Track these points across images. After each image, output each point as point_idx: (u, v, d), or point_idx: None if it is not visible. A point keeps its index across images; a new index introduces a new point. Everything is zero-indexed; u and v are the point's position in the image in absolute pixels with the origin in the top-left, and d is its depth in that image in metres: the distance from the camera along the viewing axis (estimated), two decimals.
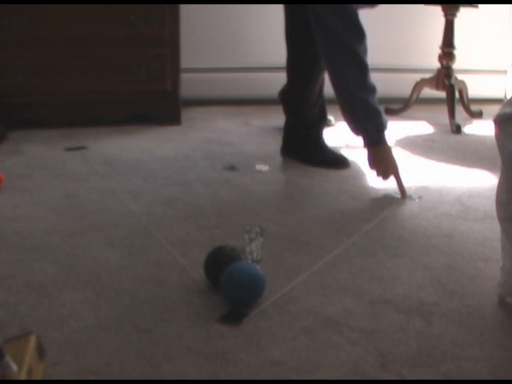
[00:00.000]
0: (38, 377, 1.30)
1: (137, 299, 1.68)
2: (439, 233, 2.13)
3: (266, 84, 3.57)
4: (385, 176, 2.47)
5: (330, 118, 3.22)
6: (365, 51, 2.40)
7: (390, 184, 2.50)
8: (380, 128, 2.43)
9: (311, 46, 2.48)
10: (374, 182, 2.55)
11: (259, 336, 1.54)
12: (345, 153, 2.85)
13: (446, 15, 3.38)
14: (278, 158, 2.80)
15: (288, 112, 2.79)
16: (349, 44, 2.35)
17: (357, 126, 2.45)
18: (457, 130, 3.31)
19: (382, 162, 2.46)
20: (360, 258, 1.94)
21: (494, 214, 1.74)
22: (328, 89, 2.55)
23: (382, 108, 2.46)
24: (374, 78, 3.11)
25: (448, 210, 2.32)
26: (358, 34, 2.37)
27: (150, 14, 3.07)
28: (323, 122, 2.85)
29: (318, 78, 2.69)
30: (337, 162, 2.74)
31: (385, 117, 2.45)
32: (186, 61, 3.30)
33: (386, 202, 2.38)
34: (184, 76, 3.29)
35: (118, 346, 1.48)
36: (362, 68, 2.39)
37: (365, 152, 2.49)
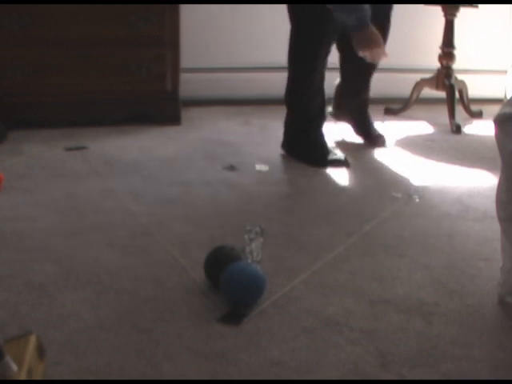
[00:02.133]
0: (38, 377, 1.30)
1: (137, 299, 1.68)
2: (439, 233, 2.13)
3: (266, 84, 3.57)
4: (373, 57, 2.58)
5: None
6: None
7: (390, 184, 2.51)
8: (361, 19, 2.49)
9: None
10: (375, 182, 2.56)
11: (259, 336, 1.54)
12: (344, 152, 2.85)
13: (446, 15, 3.38)
14: (278, 158, 2.80)
15: (289, 107, 2.80)
16: None
17: (338, 16, 2.51)
18: (457, 130, 3.31)
19: (368, 43, 2.54)
20: (360, 258, 1.94)
21: (494, 213, 1.74)
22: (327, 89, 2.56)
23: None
24: (374, 77, 3.11)
25: (448, 210, 2.32)
26: None
27: (149, 14, 3.07)
28: (323, 119, 2.86)
29: (317, 71, 2.71)
30: (337, 162, 2.75)
31: (365, 8, 2.50)
32: (185, 61, 3.29)
33: (386, 201, 2.38)
34: (184, 76, 3.29)
35: (118, 346, 1.48)
36: None
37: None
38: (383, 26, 2.79)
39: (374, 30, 2.54)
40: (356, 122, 3.08)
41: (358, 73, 2.98)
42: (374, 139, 3.03)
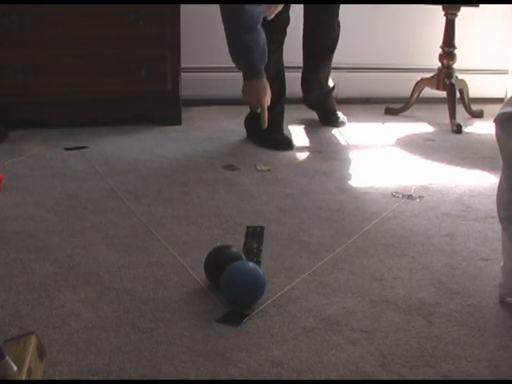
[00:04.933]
0: (38, 377, 1.30)
1: (137, 299, 1.67)
2: (440, 232, 2.13)
3: None
4: (253, 106, 2.71)
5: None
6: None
7: (391, 184, 2.51)
8: (251, 64, 2.64)
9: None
10: (375, 181, 2.55)
11: (259, 336, 1.53)
12: (344, 151, 2.86)
13: (446, 14, 3.38)
14: (279, 158, 2.80)
15: None
16: None
17: (234, 60, 2.71)
18: (457, 129, 3.31)
19: (251, 93, 2.67)
20: (360, 258, 1.94)
21: (495, 213, 1.74)
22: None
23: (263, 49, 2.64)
24: (375, 77, 3.11)
25: (449, 210, 2.32)
26: None
27: (150, 13, 3.07)
28: (281, 104, 3.01)
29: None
30: (280, 143, 2.91)
31: (261, 54, 2.64)
32: (186, 60, 3.29)
33: (386, 201, 2.38)
34: (184, 76, 3.29)
35: (118, 346, 1.47)
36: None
37: None
38: (329, 24, 3.11)
39: (260, 83, 2.66)
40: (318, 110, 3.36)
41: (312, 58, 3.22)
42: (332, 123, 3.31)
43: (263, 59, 2.69)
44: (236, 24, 2.64)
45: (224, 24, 2.69)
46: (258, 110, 2.67)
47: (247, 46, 2.64)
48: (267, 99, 2.68)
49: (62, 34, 3.00)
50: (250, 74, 2.68)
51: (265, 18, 2.69)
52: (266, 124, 2.63)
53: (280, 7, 2.73)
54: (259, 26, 2.65)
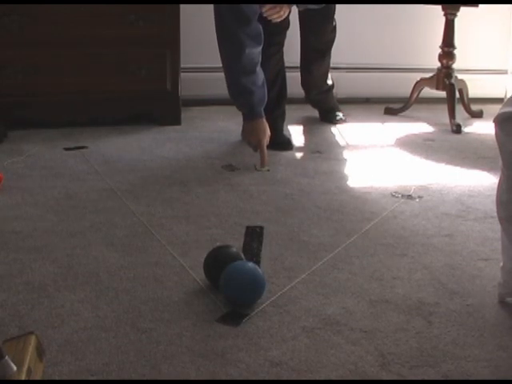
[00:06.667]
0: (37, 377, 1.30)
1: (136, 299, 1.67)
2: (439, 232, 2.13)
3: None
4: (252, 146, 2.73)
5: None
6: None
7: (390, 184, 2.50)
8: (251, 106, 2.71)
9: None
10: (375, 181, 2.55)
11: (259, 336, 1.53)
12: (345, 152, 2.85)
13: (446, 14, 3.38)
14: (278, 158, 2.80)
15: None
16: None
17: (234, 102, 2.80)
18: (457, 129, 3.31)
19: (251, 134, 2.72)
20: (360, 258, 1.94)
21: (495, 213, 1.74)
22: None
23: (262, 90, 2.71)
24: (375, 77, 3.10)
25: (448, 210, 2.32)
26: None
27: (149, 13, 3.07)
28: (282, 105, 3.04)
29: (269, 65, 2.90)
30: (279, 145, 2.90)
31: (261, 96, 2.71)
32: (185, 60, 3.29)
33: (386, 201, 2.38)
34: (184, 76, 3.29)
35: (117, 346, 1.47)
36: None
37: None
38: (322, 27, 3.12)
39: (259, 124, 2.71)
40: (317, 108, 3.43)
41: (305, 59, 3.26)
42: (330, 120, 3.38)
43: (263, 100, 2.74)
44: (235, 68, 2.69)
45: (223, 67, 2.73)
46: (258, 150, 2.71)
47: (247, 88, 2.70)
48: (267, 139, 2.71)
49: (62, 33, 3.00)
50: (250, 115, 2.74)
51: (266, 19, 2.68)
52: (265, 164, 2.66)
53: (287, 11, 2.73)
54: (258, 68, 2.69)
